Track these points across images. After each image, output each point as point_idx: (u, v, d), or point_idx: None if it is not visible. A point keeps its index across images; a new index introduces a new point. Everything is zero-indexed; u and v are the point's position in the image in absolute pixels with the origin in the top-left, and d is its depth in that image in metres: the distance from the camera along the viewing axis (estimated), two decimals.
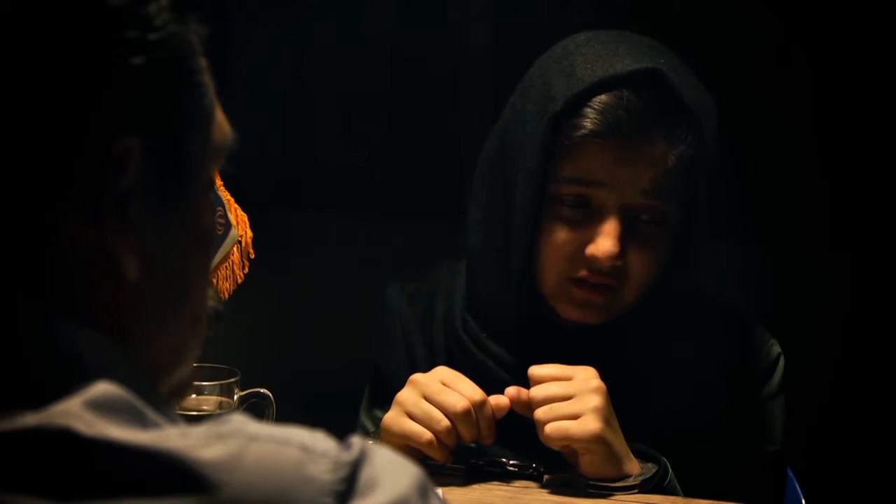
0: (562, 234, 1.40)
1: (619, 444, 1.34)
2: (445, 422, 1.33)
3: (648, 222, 1.39)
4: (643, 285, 1.41)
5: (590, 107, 1.36)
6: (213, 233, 0.74)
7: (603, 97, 1.36)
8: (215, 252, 1.59)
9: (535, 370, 1.35)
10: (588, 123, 1.36)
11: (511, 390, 1.36)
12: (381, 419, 1.51)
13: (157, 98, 0.67)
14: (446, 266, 1.58)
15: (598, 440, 1.31)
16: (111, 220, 0.65)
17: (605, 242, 1.36)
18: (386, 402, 1.47)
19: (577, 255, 1.39)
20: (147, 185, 0.66)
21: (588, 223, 1.38)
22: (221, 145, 0.73)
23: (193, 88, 0.70)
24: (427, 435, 1.33)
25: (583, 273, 1.39)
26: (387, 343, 1.56)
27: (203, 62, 0.71)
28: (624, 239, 1.37)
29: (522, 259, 1.42)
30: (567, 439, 1.31)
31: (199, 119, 0.71)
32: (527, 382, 1.37)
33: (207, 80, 0.72)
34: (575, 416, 1.31)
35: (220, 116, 0.73)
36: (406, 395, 1.36)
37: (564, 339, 1.44)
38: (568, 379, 1.34)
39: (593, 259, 1.37)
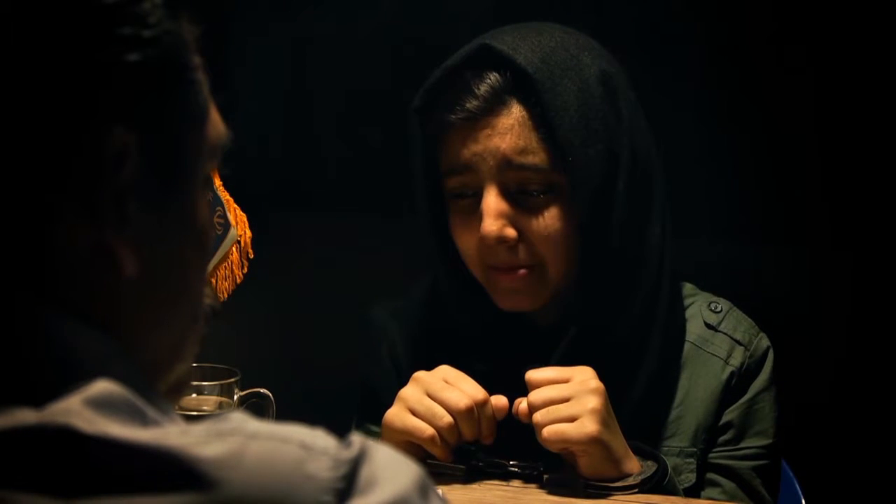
0: (461, 227, 1.43)
1: (618, 444, 1.34)
2: (448, 418, 1.34)
3: (538, 192, 1.39)
4: (561, 257, 1.41)
5: (441, 98, 1.41)
6: (211, 230, 0.75)
7: (450, 85, 1.40)
8: (214, 252, 1.59)
9: (533, 374, 1.35)
10: (442, 114, 1.40)
11: (518, 405, 1.36)
12: (374, 433, 1.52)
13: (152, 95, 0.67)
14: (426, 279, 1.59)
15: (594, 441, 1.31)
16: (109, 217, 0.65)
17: (484, 223, 1.38)
18: (377, 418, 1.47)
19: (480, 244, 1.40)
20: (144, 183, 0.66)
21: (477, 209, 1.40)
22: (216, 143, 0.73)
23: (188, 85, 0.70)
24: (429, 431, 1.34)
25: (493, 260, 1.41)
26: (374, 360, 1.57)
27: (197, 59, 0.72)
28: (511, 215, 1.39)
29: (442, 259, 1.47)
30: (564, 442, 1.32)
31: (194, 116, 0.71)
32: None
33: (202, 77, 0.72)
34: (572, 419, 1.31)
35: (214, 114, 0.73)
36: (409, 392, 1.37)
37: (539, 338, 1.45)
38: (566, 381, 1.34)
39: (483, 242, 1.39)
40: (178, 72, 0.69)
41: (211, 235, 0.75)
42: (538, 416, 1.33)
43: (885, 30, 2.15)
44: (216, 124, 0.73)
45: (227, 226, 1.60)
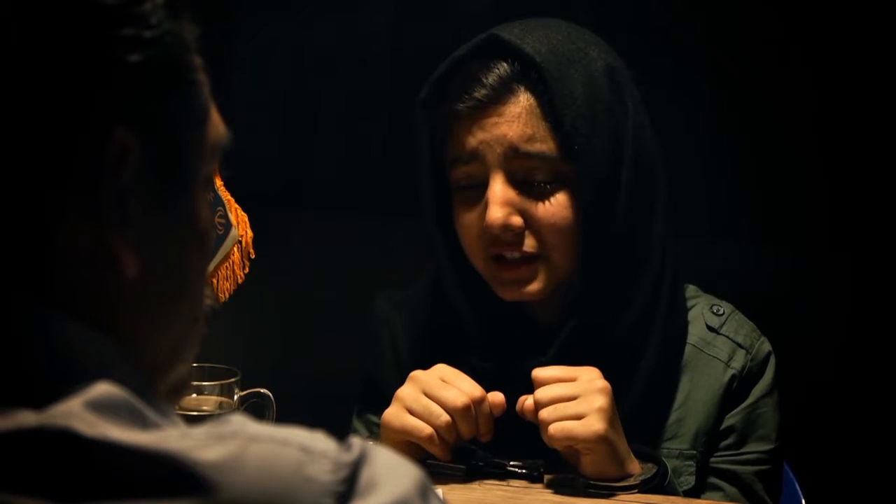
0: (466, 217, 1.43)
1: (622, 444, 1.34)
2: (445, 417, 1.34)
3: (544, 181, 1.39)
4: (566, 247, 1.41)
5: (448, 88, 1.41)
6: (211, 231, 0.75)
7: (457, 76, 1.41)
8: (216, 252, 1.59)
9: (539, 372, 1.35)
10: (450, 103, 1.40)
11: (524, 402, 1.36)
12: (374, 423, 1.52)
13: (153, 96, 0.67)
14: (430, 271, 1.59)
15: (601, 440, 1.31)
16: (110, 217, 0.65)
17: (490, 211, 1.38)
18: (378, 408, 1.47)
19: (484, 232, 1.40)
20: (145, 183, 0.66)
21: (482, 199, 1.40)
22: (217, 143, 0.73)
23: (189, 86, 0.70)
24: (427, 430, 1.34)
25: (497, 250, 1.41)
26: (376, 351, 1.57)
27: (198, 60, 0.72)
28: (517, 203, 1.39)
29: (444, 251, 1.46)
30: (571, 439, 1.31)
31: (195, 117, 0.71)
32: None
33: (202, 78, 0.72)
34: (579, 417, 1.31)
35: (215, 115, 0.73)
36: (406, 391, 1.37)
37: (540, 334, 1.45)
38: (572, 380, 1.34)
39: (488, 231, 1.39)
40: (180, 73, 0.69)
41: (211, 236, 0.75)
42: (544, 414, 1.33)
43: (885, 30, 2.16)
44: (217, 125, 0.73)
45: (228, 226, 1.60)
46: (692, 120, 2.20)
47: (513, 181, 1.39)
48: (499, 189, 1.38)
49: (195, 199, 0.71)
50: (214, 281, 1.60)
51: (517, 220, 1.39)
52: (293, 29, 2.38)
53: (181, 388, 0.76)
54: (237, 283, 1.64)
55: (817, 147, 2.22)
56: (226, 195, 1.61)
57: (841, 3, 2.17)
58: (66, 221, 0.64)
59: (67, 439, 0.57)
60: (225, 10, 2.29)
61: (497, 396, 1.36)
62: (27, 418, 0.58)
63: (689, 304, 1.51)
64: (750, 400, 1.47)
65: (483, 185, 1.40)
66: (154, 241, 0.68)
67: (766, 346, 1.50)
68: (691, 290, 1.54)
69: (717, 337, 1.48)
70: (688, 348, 1.48)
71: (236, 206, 1.63)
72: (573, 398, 1.32)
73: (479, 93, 1.38)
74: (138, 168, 0.66)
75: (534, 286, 1.42)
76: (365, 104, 2.40)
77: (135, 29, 0.66)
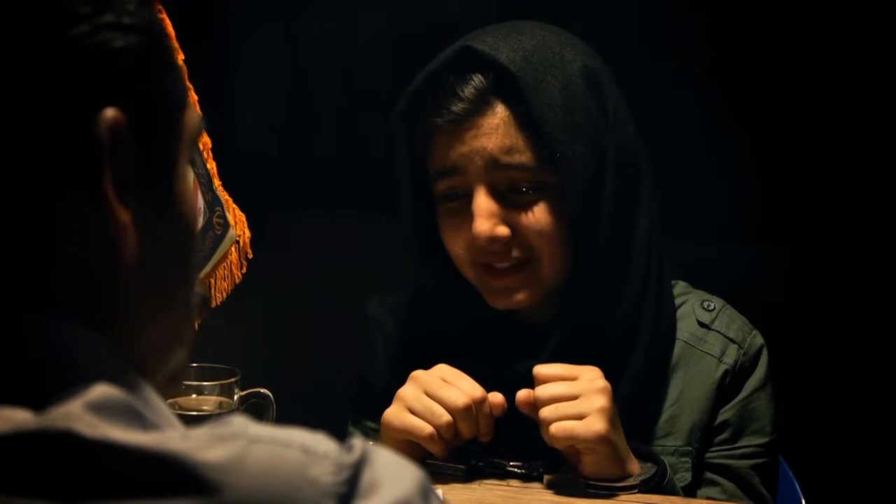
0: (452, 228, 1.43)
1: (623, 444, 1.34)
2: (447, 416, 1.34)
3: (527, 190, 1.40)
4: (554, 252, 1.41)
5: (425, 102, 1.41)
6: (196, 217, 0.75)
7: (434, 89, 1.41)
8: (213, 252, 1.59)
9: (541, 369, 1.36)
10: (428, 118, 1.41)
11: (520, 393, 1.36)
12: (371, 428, 1.52)
13: (137, 81, 0.67)
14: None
15: (602, 440, 1.31)
16: (105, 204, 0.65)
17: (476, 223, 1.38)
18: (373, 412, 1.47)
19: (471, 243, 1.41)
20: (134, 169, 0.67)
21: (467, 210, 1.40)
22: (194, 129, 0.74)
23: (169, 72, 0.71)
24: (428, 429, 1.34)
25: (485, 258, 1.41)
26: (371, 355, 1.57)
27: (174, 45, 0.72)
28: (502, 214, 1.39)
29: (430, 261, 1.47)
30: (572, 439, 1.32)
31: (177, 101, 0.72)
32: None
33: (180, 63, 0.72)
34: (580, 416, 1.31)
35: (191, 102, 0.74)
36: (407, 391, 1.37)
37: (529, 337, 1.45)
38: (573, 379, 1.34)
39: (475, 243, 1.39)
40: (159, 58, 0.70)
41: (197, 222, 0.75)
42: (545, 413, 1.33)
43: (885, 30, 2.15)
44: (192, 110, 0.74)
45: (225, 226, 1.60)
46: (692, 120, 2.20)
47: (496, 192, 1.40)
48: (483, 202, 1.39)
49: (179, 185, 0.72)
50: (212, 281, 1.60)
51: (503, 231, 1.39)
52: (292, 28, 2.38)
53: (177, 378, 0.76)
54: (235, 283, 1.64)
55: (817, 148, 2.22)
56: (224, 195, 1.61)
57: (841, 3, 2.17)
58: (63, 215, 0.64)
59: (69, 441, 0.57)
60: (224, 10, 2.29)
61: (497, 397, 1.37)
62: (27, 420, 0.58)
63: (680, 300, 1.52)
64: (743, 394, 1.47)
65: (467, 196, 1.41)
66: (145, 228, 0.68)
67: (759, 340, 1.50)
68: (681, 286, 1.54)
69: (708, 332, 1.49)
70: (679, 345, 1.48)
71: (234, 206, 1.63)
72: (574, 397, 1.32)
73: (457, 106, 1.38)
74: (129, 153, 0.66)
75: (523, 294, 1.43)
76: (365, 104, 2.40)
77: (114, 15, 0.66)
